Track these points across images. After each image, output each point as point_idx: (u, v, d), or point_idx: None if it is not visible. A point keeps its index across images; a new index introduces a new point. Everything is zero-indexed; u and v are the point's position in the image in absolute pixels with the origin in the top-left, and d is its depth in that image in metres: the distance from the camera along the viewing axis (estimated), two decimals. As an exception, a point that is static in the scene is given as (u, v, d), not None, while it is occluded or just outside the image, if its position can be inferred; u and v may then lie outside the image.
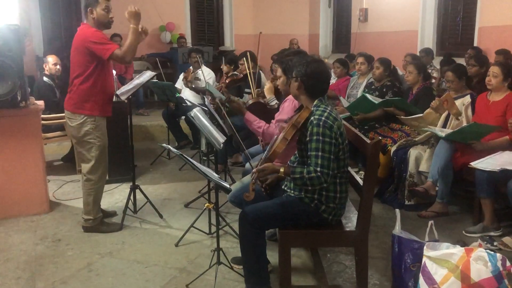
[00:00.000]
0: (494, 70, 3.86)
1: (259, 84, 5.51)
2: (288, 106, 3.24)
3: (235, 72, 5.72)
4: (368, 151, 2.52)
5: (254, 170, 2.58)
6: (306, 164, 2.53)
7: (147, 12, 9.63)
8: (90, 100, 3.58)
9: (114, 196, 4.62)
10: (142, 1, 9.51)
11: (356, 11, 9.27)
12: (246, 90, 5.34)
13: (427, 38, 7.92)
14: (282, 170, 2.54)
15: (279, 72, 3.52)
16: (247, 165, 3.93)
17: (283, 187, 2.78)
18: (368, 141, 2.58)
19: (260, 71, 6.13)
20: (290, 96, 3.27)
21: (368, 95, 4.72)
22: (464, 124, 4.01)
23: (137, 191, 4.15)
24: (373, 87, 5.10)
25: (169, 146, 2.77)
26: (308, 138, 2.50)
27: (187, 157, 2.65)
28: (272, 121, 3.48)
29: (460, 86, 4.22)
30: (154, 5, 9.48)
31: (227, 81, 5.22)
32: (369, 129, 4.85)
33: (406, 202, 4.19)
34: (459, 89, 4.24)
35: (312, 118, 2.51)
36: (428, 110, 4.25)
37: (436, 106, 4.13)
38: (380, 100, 4.69)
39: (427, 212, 3.99)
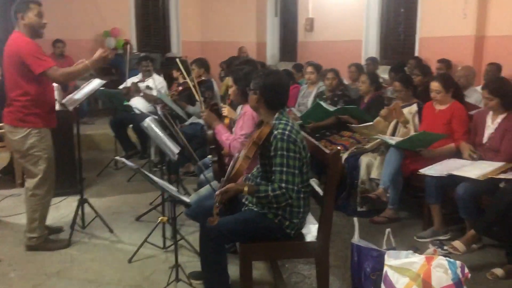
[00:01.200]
0: (435, 87, 4.00)
1: (211, 93, 5.44)
2: (249, 119, 3.17)
3: (186, 80, 5.61)
4: (328, 161, 2.52)
5: (217, 192, 2.50)
6: (269, 179, 2.50)
7: (90, 16, 9.35)
8: (31, 113, 3.38)
9: (60, 211, 4.38)
10: (85, 6, 9.26)
11: (302, 21, 9.43)
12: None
13: (371, 48, 8.19)
14: (246, 189, 2.48)
15: (230, 81, 3.48)
16: (202, 176, 3.86)
17: (243, 200, 2.73)
18: (328, 151, 2.59)
19: (212, 79, 6.07)
20: (249, 108, 3.22)
21: (323, 103, 4.79)
22: (412, 132, 4.16)
23: (85, 204, 3.95)
24: (324, 96, 5.19)
25: (124, 160, 2.64)
26: (272, 153, 2.47)
27: (145, 172, 2.54)
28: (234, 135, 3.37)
29: (407, 95, 4.37)
30: (97, 10, 9.18)
31: (179, 89, 5.10)
32: (320, 137, 4.90)
33: (359, 209, 4.27)
34: (407, 98, 4.39)
35: (275, 132, 2.47)
36: (378, 119, 4.37)
37: (386, 114, 4.27)
38: (335, 108, 4.77)
39: (379, 218, 4.09)
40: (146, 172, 2.54)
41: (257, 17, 10.84)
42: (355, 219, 2.85)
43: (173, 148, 3.40)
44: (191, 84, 4.23)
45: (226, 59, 9.07)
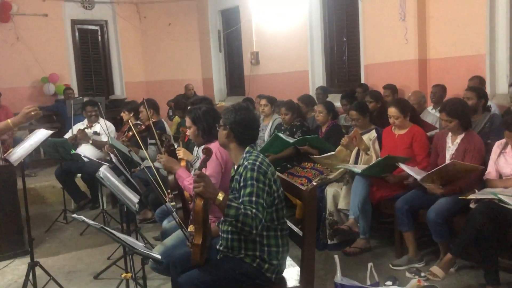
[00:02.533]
0: (392, 112, 4.02)
1: (166, 134, 5.21)
2: (212, 160, 2.97)
3: (138, 122, 5.37)
4: (305, 199, 2.39)
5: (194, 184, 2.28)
6: None
7: (27, 63, 8.93)
8: None
9: (6, 277, 3.94)
10: (22, 52, 8.85)
11: (248, 54, 9.47)
12: (150, 141, 5.00)
13: (318, 77, 8.30)
14: (221, 198, 2.25)
15: (188, 122, 3.31)
16: (165, 223, 3.61)
17: (218, 247, 2.53)
18: (303, 188, 2.46)
19: (163, 120, 5.85)
20: (214, 149, 3.04)
21: (281, 134, 4.71)
22: (374, 158, 4.14)
23: (36, 267, 3.56)
24: (282, 127, 5.11)
25: (83, 217, 2.36)
26: (242, 184, 2.33)
27: (109, 230, 2.28)
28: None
29: (364, 123, 4.36)
30: (34, 56, 8.80)
31: (130, 133, 4.84)
32: (281, 170, 4.80)
33: (329, 242, 4.16)
34: (364, 125, 4.38)
35: (246, 163, 2.38)
36: (339, 148, 4.33)
37: (346, 143, 4.24)
38: (294, 139, 4.70)
39: (352, 249, 3.98)
40: (111, 230, 2.28)
41: (202, 53, 10.83)
42: (336, 257, 2.71)
43: (133, 198, 3.16)
44: (155, 132, 4.00)
45: (172, 97, 8.95)
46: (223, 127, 2.52)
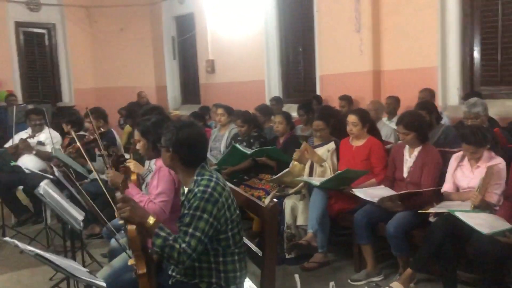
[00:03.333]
0: (352, 119, 3.99)
1: (113, 145, 4.93)
2: (165, 175, 2.77)
3: (83, 133, 5.06)
4: (265, 216, 2.25)
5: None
6: None
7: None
8: None
9: None
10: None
11: (203, 62, 9.30)
12: (99, 153, 4.72)
13: (274, 87, 8.26)
14: (151, 222, 2.11)
15: (137, 135, 3.09)
16: (113, 242, 3.36)
17: (170, 272, 2.34)
18: (263, 204, 2.32)
19: (112, 129, 5.55)
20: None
21: (238, 146, 4.58)
22: (328, 170, 4.08)
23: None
24: (239, 138, 4.97)
25: (16, 242, 2.09)
26: (185, 211, 2.15)
27: (45, 255, 2.03)
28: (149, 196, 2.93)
29: (327, 134, 4.26)
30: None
31: (77, 145, 4.54)
32: (238, 182, 4.66)
33: (287, 256, 4.03)
34: (326, 137, 4.30)
35: (196, 189, 2.15)
36: (293, 163, 4.22)
37: (298, 157, 4.14)
38: (251, 150, 4.57)
39: (310, 264, 3.88)
40: (47, 256, 2.03)
41: (155, 60, 10.55)
42: (296, 276, 2.58)
43: (77, 215, 2.91)
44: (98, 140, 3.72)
45: (124, 105, 8.61)
46: (165, 148, 2.28)
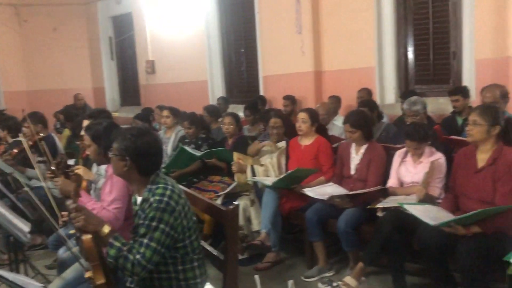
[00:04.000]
0: (302, 116, 4.09)
1: (55, 150, 4.71)
2: (118, 181, 2.68)
3: (20, 139, 4.78)
4: (226, 219, 2.25)
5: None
6: None
7: None
8: None
9: None
10: None
11: (142, 63, 9.10)
12: (39, 159, 4.47)
13: (217, 88, 8.24)
14: (106, 230, 2.07)
15: (87, 140, 2.99)
16: (61, 252, 3.21)
17: (127, 284, 2.27)
18: (224, 208, 2.32)
19: (52, 134, 5.30)
20: None
21: (187, 148, 4.52)
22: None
23: None
24: (186, 140, 4.91)
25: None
26: (140, 221, 2.09)
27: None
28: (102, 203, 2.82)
29: (281, 133, 4.32)
30: None
31: (15, 151, 4.29)
32: (187, 185, 4.59)
33: (240, 257, 4.05)
34: (281, 136, 4.37)
35: (152, 199, 2.10)
36: (236, 174, 4.25)
37: (238, 168, 4.19)
38: (200, 152, 4.53)
39: (263, 264, 3.92)
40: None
41: (91, 61, 10.20)
42: (256, 277, 2.61)
43: (23, 227, 2.76)
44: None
45: (59, 108, 8.23)
46: (120, 157, 2.19)
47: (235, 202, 3.98)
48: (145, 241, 2.03)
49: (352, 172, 3.83)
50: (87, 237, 2.07)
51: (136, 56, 9.29)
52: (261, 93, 7.32)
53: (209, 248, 2.48)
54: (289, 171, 3.95)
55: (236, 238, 2.28)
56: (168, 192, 2.11)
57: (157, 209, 2.05)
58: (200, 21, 8.04)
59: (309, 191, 3.73)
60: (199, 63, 8.15)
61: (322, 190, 3.77)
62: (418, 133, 3.35)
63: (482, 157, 2.96)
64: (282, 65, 6.90)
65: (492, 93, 4.01)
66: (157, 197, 2.09)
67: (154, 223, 2.04)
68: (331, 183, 3.89)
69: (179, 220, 2.12)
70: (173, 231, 2.10)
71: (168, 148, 5.19)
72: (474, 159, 3.00)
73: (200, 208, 2.51)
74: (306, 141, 4.14)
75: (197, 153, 4.51)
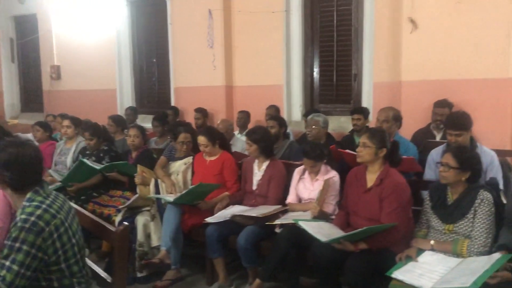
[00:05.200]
0: (201, 141, 4.03)
1: None
2: (1, 200, 2.48)
3: None
4: (115, 240, 2.17)
5: None
6: None
7: None
8: None
9: None
10: None
11: (47, 68, 8.62)
12: None
13: (127, 97, 8.02)
14: None
15: None
16: None
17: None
18: (113, 228, 2.23)
19: None
20: None
21: (86, 161, 4.31)
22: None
23: None
24: (87, 152, 4.68)
25: None
26: (6, 241, 1.95)
27: None
28: None
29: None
30: None
31: None
32: (86, 200, 4.40)
33: (138, 275, 3.92)
34: (189, 152, 4.31)
35: (18, 218, 1.96)
36: (139, 187, 4.13)
37: (141, 180, 4.11)
38: (101, 165, 4.34)
39: (163, 282, 3.81)
40: None
41: (-11, 63, 9.44)
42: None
43: None
44: None
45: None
46: None
47: (138, 217, 3.98)
48: (7, 263, 1.90)
49: (254, 187, 3.89)
50: None
51: (40, 60, 8.77)
52: (172, 104, 7.24)
53: (96, 269, 2.37)
54: (192, 186, 3.92)
55: (125, 260, 2.20)
56: (38, 212, 1.97)
57: (21, 229, 1.92)
58: (111, 27, 7.80)
59: (213, 219, 3.69)
60: (108, 71, 7.89)
61: (224, 213, 3.77)
62: (314, 152, 3.50)
63: (371, 177, 3.15)
64: (194, 78, 6.89)
65: (386, 113, 4.29)
66: (23, 216, 1.95)
67: (17, 244, 1.91)
68: (231, 206, 3.90)
69: (50, 241, 1.99)
70: (41, 253, 1.96)
71: (68, 160, 4.92)
72: (364, 179, 3.19)
73: (87, 227, 2.40)
74: (211, 157, 4.14)
75: (97, 166, 4.32)
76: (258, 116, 6.18)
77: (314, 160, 3.52)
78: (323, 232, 3.05)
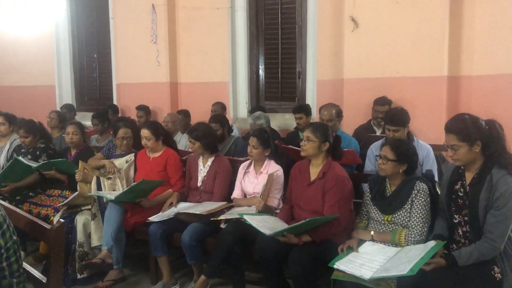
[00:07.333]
0: (145, 134, 3.97)
1: None
2: None
3: None
4: (50, 239, 2.07)
5: None
6: None
7: None
8: None
9: None
10: None
11: (-21, 62, 8.11)
12: None
13: (66, 94, 7.73)
14: None
15: None
16: None
17: None
18: (48, 226, 2.13)
19: None
20: None
21: (22, 159, 4.10)
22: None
23: None
24: (23, 150, 4.45)
25: None
26: None
27: None
28: None
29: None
30: None
31: None
32: (22, 200, 4.19)
33: (79, 276, 3.78)
34: (130, 149, 4.20)
35: None
36: (79, 184, 3.97)
37: (82, 177, 3.97)
38: (37, 163, 4.14)
39: (105, 283, 3.69)
40: None
41: None
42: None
43: None
44: None
45: None
46: None
47: (77, 217, 3.83)
48: None
49: (199, 184, 3.85)
50: None
51: (-29, 54, 8.24)
52: (115, 101, 7.04)
53: (31, 270, 2.25)
54: (134, 183, 3.82)
55: (60, 260, 2.10)
56: None
57: None
58: (49, 20, 7.47)
59: (156, 217, 3.63)
60: (46, 67, 7.56)
61: (168, 212, 3.70)
62: (263, 136, 3.54)
63: (314, 171, 3.20)
64: (137, 74, 6.73)
65: (329, 111, 4.38)
66: None
67: None
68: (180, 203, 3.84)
69: None
70: None
71: (1, 159, 4.67)
72: (307, 173, 3.23)
73: (22, 228, 2.27)
74: (154, 154, 4.06)
75: (34, 164, 4.12)
76: (203, 113, 6.12)
77: (259, 140, 3.54)
78: (268, 225, 3.07)
